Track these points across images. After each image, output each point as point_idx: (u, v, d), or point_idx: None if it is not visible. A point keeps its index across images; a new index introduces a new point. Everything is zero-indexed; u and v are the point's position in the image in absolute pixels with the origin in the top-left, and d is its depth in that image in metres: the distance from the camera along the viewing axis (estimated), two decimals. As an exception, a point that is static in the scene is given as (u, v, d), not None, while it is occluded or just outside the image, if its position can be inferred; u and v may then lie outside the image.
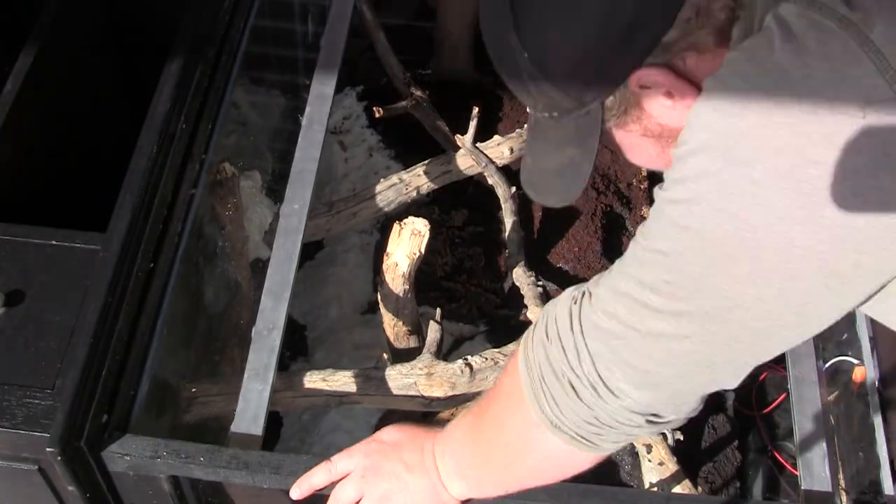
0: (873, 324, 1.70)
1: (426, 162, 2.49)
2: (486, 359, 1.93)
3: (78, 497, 1.41)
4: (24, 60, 1.74)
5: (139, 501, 1.48)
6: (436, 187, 2.52)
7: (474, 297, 2.72)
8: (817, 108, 0.93)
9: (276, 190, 2.49)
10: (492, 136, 2.58)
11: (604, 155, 2.80)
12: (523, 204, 2.62)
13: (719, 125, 0.96)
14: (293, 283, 1.64)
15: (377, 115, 2.67)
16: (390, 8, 3.08)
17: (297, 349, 2.71)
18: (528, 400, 1.13)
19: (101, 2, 2.03)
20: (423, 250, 1.93)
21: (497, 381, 1.21)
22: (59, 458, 1.32)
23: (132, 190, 1.54)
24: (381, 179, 2.39)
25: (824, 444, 1.50)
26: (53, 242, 1.52)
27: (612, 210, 2.86)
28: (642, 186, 2.92)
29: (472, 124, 2.50)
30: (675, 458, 2.05)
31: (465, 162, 2.53)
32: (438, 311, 2.12)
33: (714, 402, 2.55)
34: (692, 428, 2.40)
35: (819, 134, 0.92)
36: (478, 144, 2.52)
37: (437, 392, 1.89)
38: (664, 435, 2.07)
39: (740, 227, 0.94)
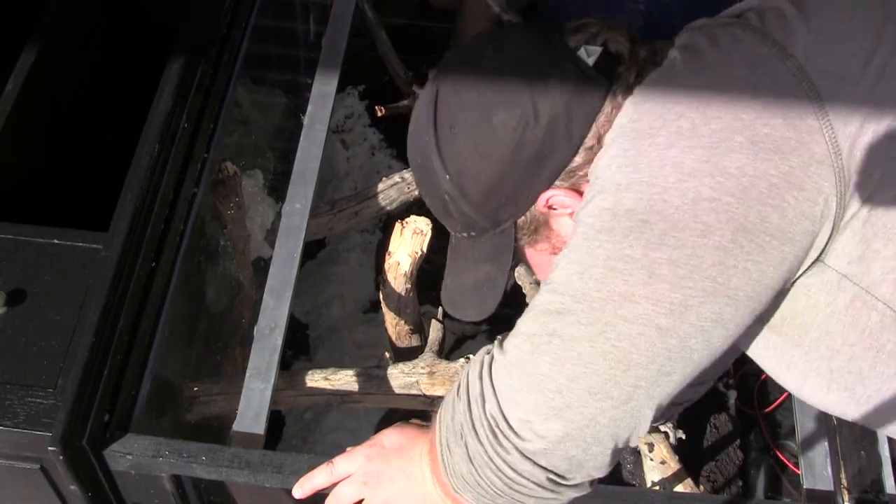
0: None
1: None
2: (488, 358, 1.93)
3: (80, 496, 1.41)
4: (26, 61, 1.74)
5: (141, 501, 1.48)
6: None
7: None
8: (709, 77, 1.05)
9: (277, 189, 2.49)
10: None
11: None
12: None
13: (622, 128, 1.06)
14: (295, 282, 1.64)
15: (379, 113, 2.66)
16: (392, 7, 3.07)
17: (299, 348, 2.71)
18: (438, 462, 1.15)
19: (101, 2, 2.03)
20: (425, 249, 1.93)
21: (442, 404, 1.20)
22: (61, 457, 1.32)
23: (134, 189, 1.54)
24: (384, 178, 2.38)
25: (826, 443, 1.50)
26: (55, 242, 1.52)
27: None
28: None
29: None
30: (677, 457, 2.05)
31: (467, 161, 2.52)
32: (440, 309, 2.12)
33: (716, 401, 2.55)
34: (694, 427, 2.40)
35: (714, 95, 1.02)
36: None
37: (440, 391, 1.89)
38: (666, 434, 2.06)
39: (652, 192, 1.00)
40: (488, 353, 1.11)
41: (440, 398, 1.91)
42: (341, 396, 1.91)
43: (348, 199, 2.31)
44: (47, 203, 1.71)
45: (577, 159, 1.12)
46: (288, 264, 1.66)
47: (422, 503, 1.22)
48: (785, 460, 2.44)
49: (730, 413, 2.56)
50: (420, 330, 2.17)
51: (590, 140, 1.11)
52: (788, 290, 1.07)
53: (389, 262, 1.97)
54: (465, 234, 1.23)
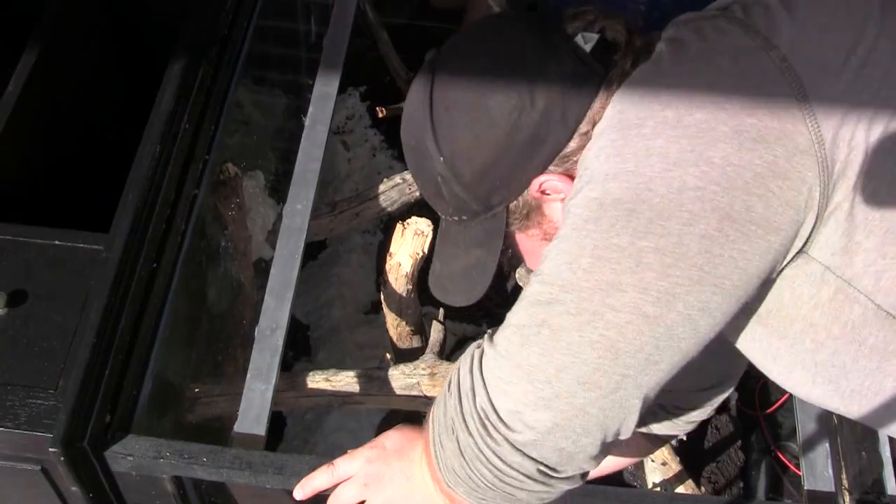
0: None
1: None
2: (489, 359, 1.93)
3: (81, 497, 1.41)
4: (26, 62, 1.74)
5: (142, 502, 1.48)
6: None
7: (477, 296, 2.72)
8: (694, 68, 1.06)
9: (279, 190, 2.49)
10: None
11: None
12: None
13: (610, 119, 1.07)
14: (296, 283, 1.64)
15: (380, 114, 2.67)
16: (392, 7, 3.08)
17: (300, 349, 2.71)
18: (432, 458, 1.15)
19: (101, 2, 2.03)
20: (426, 250, 1.93)
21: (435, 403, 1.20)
22: (62, 458, 1.32)
23: (135, 190, 1.54)
24: (385, 179, 2.38)
25: (827, 444, 1.50)
26: (56, 243, 1.52)
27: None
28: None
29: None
30: (678, 459, 2.05)
31: (468, 161, 2.52)
32: (441, 310, 2.12)
33: (717, 401, 2.55)
34: (695, 428, 2.39)
35: (699, 85, 1.03)
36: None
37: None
38: (667, 435, 2.06)
39: (639, 181, 1.00)
40: (479, 347, 1.11)
41: (441, 399, 1.91)
42: (342, 397, 1.91)
43: (349, 200, 2.31)
44: (48, 203, 1.71)
45: (572, 144, 1.13)
46: (289, 265, 1.66)
47: (423, 504, 1.22)
48: (786, 461, 2.44)
49: (731, 414, 2.56)
50: (421, 331, 2.17)
51: (584, 126, 1.12)
52: (774, 280, 1.07)
53: (391, 263, 1.97)
54: (456, 218, 1.24)
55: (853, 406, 1.13)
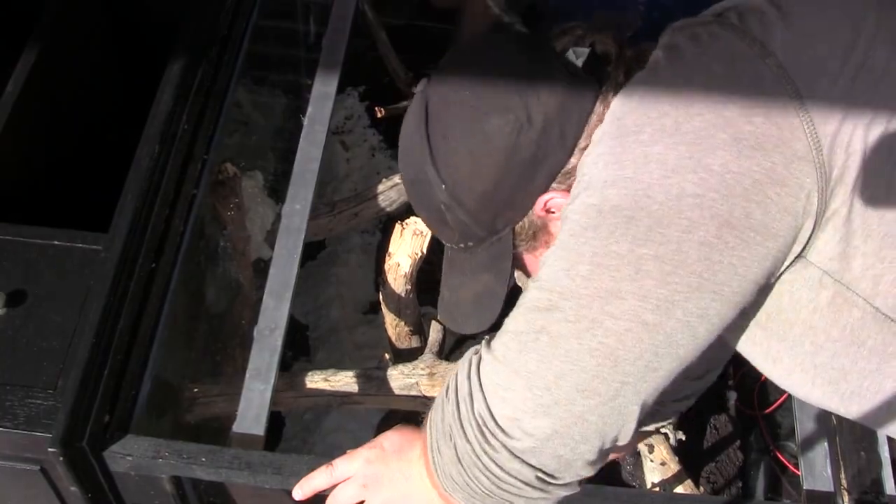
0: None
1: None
2: (488, 359, 1.93)
3: (80, 497, 1.41)
4: (26, 61, 1.74)
5: (141, 502, 1.48)
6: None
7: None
8: (691, 75, 1.06)
9: (277, 190, 2.49)
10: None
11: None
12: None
13: (607, 127, 1.07)
14: (295, 283, 1.64)
15: (379, 114, 2.66)
16: (392, 7, 3.07)
17: (298, 349, 2.71)
18: (430, 464, 1.15)
19: (101, 2, 2.03)
20: (425, 250, 1.93)
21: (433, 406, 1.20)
22: (61, 458, 1.32)
23: (134, 190, 1.54)
24: (383, 179, 2.38)
25: (826, 444, 1.50)
26: (55, 243, 1.52)
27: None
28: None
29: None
30: (677, 458, 2.05)
31: (467, 162, 2.52)
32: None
33: (716, 402, 2.55)
34: (694, 428, 2.40)
35: (696, 92, 1.03)
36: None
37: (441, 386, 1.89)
38: (666, 435, 2.06)
39: (637, 188, 1.00)
40: (476, 353, 1.11)
41: (440, 399, 1.91)
42: (341, 397, 1.91)
43: (348, 200, 2.31)
44: (47, 204, 1.71)
45: (573, 161, 1.12)
46: (288, 265, 1.66)
47: (422, 506, 1.22)
48: (785, 461, 2.44)
49: (730, 414, 2.56)
50: (420, 331, 2.17)
51: (583, 141, 1.12)
52: (773, 285, 1.07)
53: (389, 264, 1.97)
54: (462, 246, 1.23)
55: (853, 407, 1.13)
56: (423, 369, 1.92)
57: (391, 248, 1.96)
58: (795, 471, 2.34)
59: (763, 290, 1.06)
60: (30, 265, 1.50)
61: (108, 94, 2.14)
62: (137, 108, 1.67)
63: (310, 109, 1.87)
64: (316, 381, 1.90)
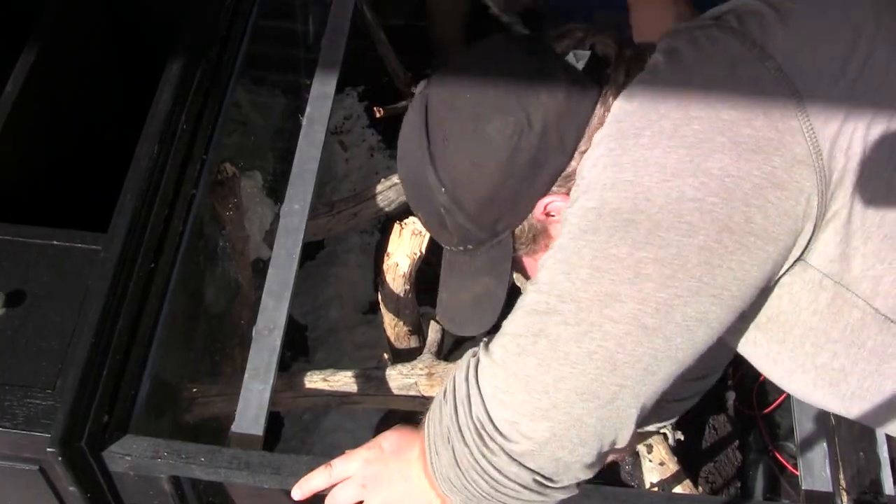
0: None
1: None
2: (487, 359, 1.93)
3: (79, 497, 1.41)
4: (25, 61, 1.74)
5: (140, 502, 1.48)
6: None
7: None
8: (690, 78, 1.06)
9: (276, 190, 2.49)
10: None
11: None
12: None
13: (607, 130, 1.06)
14: (294, 283, 1.64)
15: (378, 115, 2.66)
16: (391, 7, 3.08)
17: (297, 349, 2.71)
18: (428, 466, 1.15)
19: (101, 2, 2.03)
20: (423, 250, 1.93)
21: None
22: (60, 458, 1.32)
23: (133, 190, 1.54)
24: (382, 179, 2.38)
25: (825, 444, 1.50)
26: (54, 243, 1.52)
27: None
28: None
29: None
30: (676, 458, 2.05)
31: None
32: (439, 310, 2.12)
33: (715, 402, 2.55)
34: (693, 428, 2.40)
35: (695, 95, 1.03)
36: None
37: (439, 387, 1.89)
38: (665, 435, 2.06)
39: (637, 191, 1.00)
40: (474, 356, 1.11)
41: (438, 399, 1.91)
42: (340, 398, 1.91)
43: (347, 200, 2.31)
44: (47, 204, 1.70)
45: (573, 164, 1.12)
46: (287, 265, 1.66)
47: (421, 506, 1.22)
48: (783, 461, 2.44)
49: (728, 414, 2.57)
50: (419, 331, 2.17)
51: (584, 144, 1.12)
52: (772, 288, 1.08)
53: (388, 264, 1.97)
54: (461, 248, 1.23)
55: (854, 408, 1.13)
56: (421, 369, 1.92)
57: (390, 248, 1.96)
58: (794, 471, 2.34)
59: (763, 294, 1.06)
60: (29, 265, 1.50)
61: (107, 94, 2.13)
62: (137, 108, 1.67)
63: (308, 109, 1.87)
64: (315, 381, 1.90)
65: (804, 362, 1.11)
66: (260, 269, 2.13)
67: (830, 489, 1.45)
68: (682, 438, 2.08)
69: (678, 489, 2.01)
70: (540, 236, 1.20)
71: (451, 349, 2.59)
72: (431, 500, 1.18)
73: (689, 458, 2.32)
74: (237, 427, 1.49)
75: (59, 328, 1.43)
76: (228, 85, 1.79)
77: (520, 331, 1.05)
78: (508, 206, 1.16)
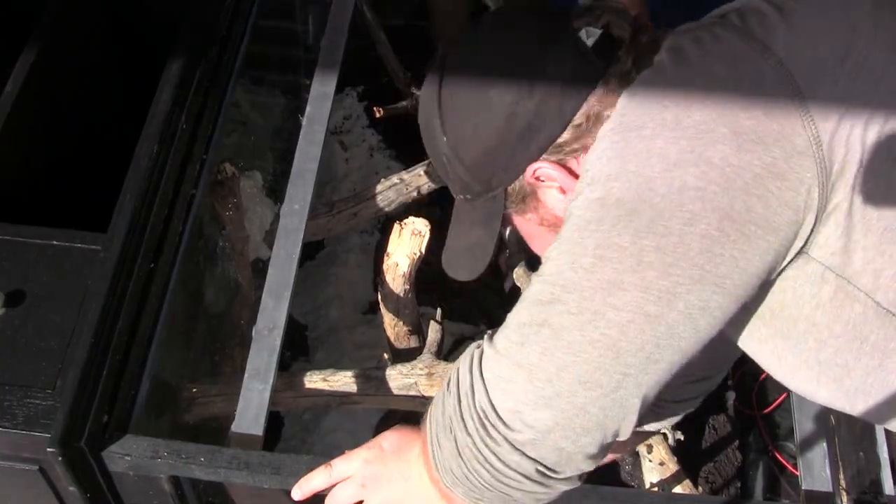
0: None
1: (427, 162, 2.48)
2: (487, 359, 1.93)
3: (78, 497, 1.41)
4: (25, 61, 1.74)
5: (140, 502, 1.48)
6: (436, 187, 2.52)
7: (475, 296, 2.72)
8: (693, 75, 1.08)
9: (276, 190, 2.50)
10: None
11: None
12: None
13: (611, 125, 1.09)
14: (294, 283, 1.64)
15: (378, 115, 2.67)
16: (391, 7, 3.08)
17: (297, 349, 2.71)
18: (430, 458, 1.16)
19: (101, 2, 2.03)
20: (423, 250, 1.93)
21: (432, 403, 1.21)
22: (60, 458, 1.32)
23: (133, 190, 1.54)
24: (382, 179, 2.38)
25: (825, 444, 1.50)
26: (54, 243, 1.52)
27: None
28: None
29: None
30: (676, 458, 2.05)
31: (466, 162, 2.52)
32: (439, 311, 2.12)
33: (715, 402, 2.55)
34: (693, 428, 2.40)
35: (697, 86, 1.05)
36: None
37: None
38: (665, 435, 2.06)
39: (639, 182, 1.02)
40: (478, 348, 1.12)
41: (439, 399, 1.91)
42: (340, 397, 1.91)
43: (347, 200, 2.31)
44: (46, 204, 1.70)
45: (565, 135, 1.15)
46: (286, 265, 1.66)
47: (421, 505, 1.22)
48: (783, 461, 2.44)
49: (728, 414, 2.57)
50: (419, 331, 2.17)
51: (579, 118, 1.14)
52: (774, 281, 1.08)
53: (388, 264, 1.97)
54: (462, 197, 1.28)
55: (858, 404, 1.14)
56: (421, 369, 1.92)
57: (390, 248, 1.96)
58: (794, 471, 2.34)
59: (765, 286, 1.07)
60: (29, 265, 1.50)
61: (107, 94, 2.13)
62: (137, 108, 1.67)
63: (308, 109, 1.87)
64: (315, 380, 1.90)
65: (808, 358, 1.12)
66: (260, 268, 2.13)
67: (830, 489, 1.45)
68: (682, 438, 2.08)
69: (678, 489, 2.02)
70: (529, 198, 1.23)
71: (451, 349, 2.60)
72: (432, 500, 1.18)
73: (689, 458, 2.32)
74: (237, 427, 1.49)
75: (58, 328, 1.43)
76: (228, 85, 1.79)
77: (524, 320, 1.06)
78: (502, 166, 1.20)
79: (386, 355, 2.15)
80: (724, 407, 2.57)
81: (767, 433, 2.51)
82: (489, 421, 1.06)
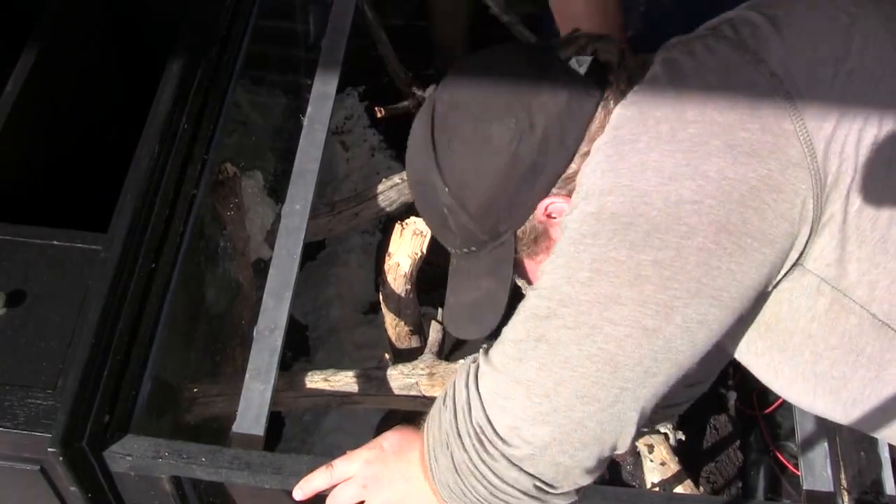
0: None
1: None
2: (488, 359, 1.93)
3: (79, 497, 1.41)
4: (25, 61, 1.74)
5: (141, 502, 1.48)
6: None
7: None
8: (686, 87, 1.07)
9: (277, 190, 2.49)
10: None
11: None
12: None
13: (605, 138, 1.08)
14: (295, 284, 1.64)
15: (379, 115, 2.66)
16: (392, 7, 3.07)
17: (298, 349, 2.71)
18: (428, 472, 1.16)
19: (101, 2, 2.03)
20: (424, 250, 1.93)
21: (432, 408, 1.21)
22: (61, 458, 1.32)
23: (134, 190, 1.54)
24: (383, 179, 2.38)
25: (826, 444, 1.49)
26: (55, 243, 1.52)
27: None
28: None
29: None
30: (677, 458, 2.05)
31: (467, 162, 2.52)
32: (440, 310, 2.12)
33: (716, 402, 2.55)
34: (694, 428, 2.40)
35: (691, 101, 1.04)
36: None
37: (439, 392, 1.89)
38: (666, 435, 2.06)
39: (635, 195, 1.01)
40: (474, 362, 1.12)
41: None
42: (341, 398, 1.91)
43: (348, 200, 2.31)
44: (47, 204, 1.70)
45: (573, 166, 1.13)
46: (288, 265, 1.66)
47: (421, 507, 1.22)
48: (785, 461, 2.44)
49: (730, 414, 2.56)
50: (420, 331, 2.16)
51: (584, 147, 1.12)
52: (770, 294, 1.08)
53: (389, 264, 1.97)
54: (465, 251, 1.24)
55: (855, 415, 1.14)
56: (422, 369, 1.92)
57: (391, 248, 1.96)
58: (795, 471, 2.34)
59: (761, 298, 1.07)
60: (29, 265, 1.50)
61: (107, 94, 2.13)
62: (137, 108, 1.67)
63: (309, 109, 1.87)
64: (315, 381, 1.90)
65: (804, 371, 1.12)
66: (261, 269, 2.13)
67: (832, 489, 1.45)
68: (684, 438, 2.08)
69: (679, 489, 2.01)
70: (541, 238, 1.21)
71: (453, 349, 2.59)
72: (432, 501, 1.18)
73: (691, 458, 2.32)
74: (238, 427, 1.49)
75: (59, 328, 1.43)
76: (229, 85, 1.79)
77: (520, 336, 1.06)
78: (510, 208, 1.17)
79: (387, 355, 2.15)
80: (726, 407, 2.57)
81: (769, 433, 2.51)
82: (486, 437, 1.06)
